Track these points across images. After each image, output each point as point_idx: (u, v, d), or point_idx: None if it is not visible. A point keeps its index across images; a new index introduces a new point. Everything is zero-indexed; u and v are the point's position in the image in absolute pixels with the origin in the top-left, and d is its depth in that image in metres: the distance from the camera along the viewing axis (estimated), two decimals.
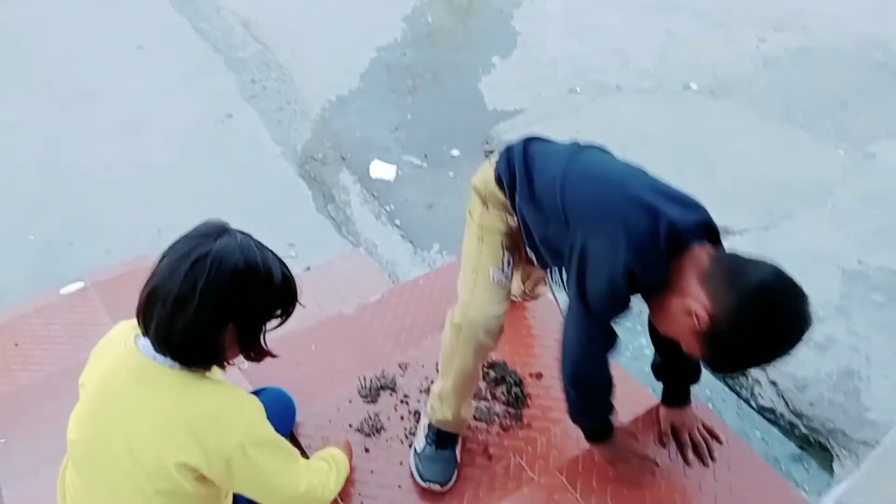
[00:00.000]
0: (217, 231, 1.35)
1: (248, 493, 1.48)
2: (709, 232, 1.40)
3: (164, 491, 1.37)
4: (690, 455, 1.80)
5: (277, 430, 1.60)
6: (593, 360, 1.57)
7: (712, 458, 1.79)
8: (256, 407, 1.43)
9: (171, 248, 1.34)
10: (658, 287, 1.38)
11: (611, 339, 1.55)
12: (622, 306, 1.45)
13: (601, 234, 1.40)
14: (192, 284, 1.29)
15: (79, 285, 2.72)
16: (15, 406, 2.19)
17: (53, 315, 2.54)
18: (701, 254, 1.33)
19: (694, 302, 1.28)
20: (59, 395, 2.20)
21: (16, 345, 2.40)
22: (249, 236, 1.39)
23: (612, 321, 1.51)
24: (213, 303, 1.30)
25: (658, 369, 1.80)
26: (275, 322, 1.43)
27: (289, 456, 1.51)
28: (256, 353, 1.43)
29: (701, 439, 1.81)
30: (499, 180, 1.68)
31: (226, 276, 1.30)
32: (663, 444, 1.84)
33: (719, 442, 1.82)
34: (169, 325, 1.32)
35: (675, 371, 1.77)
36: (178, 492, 1.38)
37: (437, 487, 1.83)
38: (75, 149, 3.70)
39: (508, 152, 1.68)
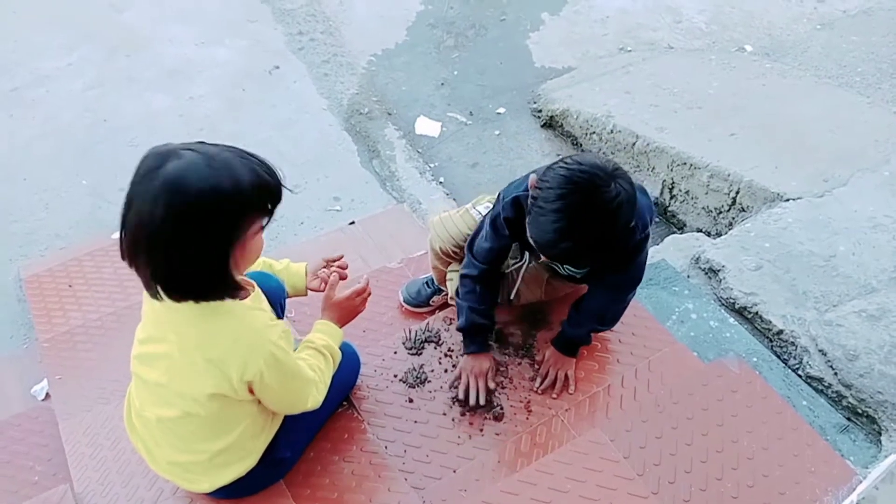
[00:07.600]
0: (163, 157, 1.25)
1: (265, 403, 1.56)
2: None
3: (193, 413, 1.47)
4: (543, 385, 2.02)
5: (342, 381, 1.77)
6: None
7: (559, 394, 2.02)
8: (278, 335, 1.46)
9: (132, 188, 1.27)
10: None
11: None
12: None
13: None
14: (172, 224, 1.24)
15: None
16: (70, 345, 2.26)
17: (105, 259, 2.60)
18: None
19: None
20: (112, 335, 2.28)
21: (70, 286, 2.46)
22: (199, 145, 1.29)
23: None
24: (195, 234, 1.25)
25: (567, 320, 2.05)
26: (265, 219, 1.36)
27: (304, 379, 1.56)
28: (251, 258, 1.39)
29: (561, 380, 2.02)
30: None
31: (191, 202, 1.23)
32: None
33: (569, 392, 2.02)
34: (166, 269, 1.30)
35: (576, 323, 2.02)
36: (202, 415, 1.47)
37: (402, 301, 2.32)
38: (123, 96, 3.72)
39: None
